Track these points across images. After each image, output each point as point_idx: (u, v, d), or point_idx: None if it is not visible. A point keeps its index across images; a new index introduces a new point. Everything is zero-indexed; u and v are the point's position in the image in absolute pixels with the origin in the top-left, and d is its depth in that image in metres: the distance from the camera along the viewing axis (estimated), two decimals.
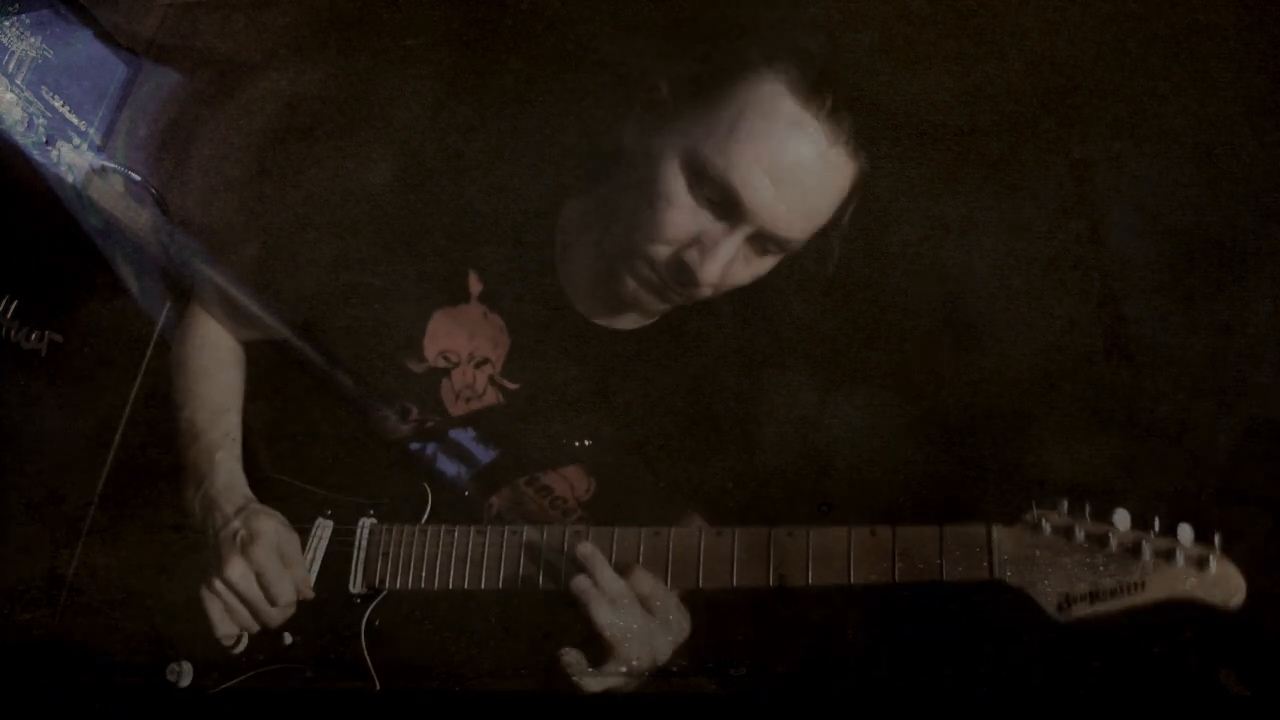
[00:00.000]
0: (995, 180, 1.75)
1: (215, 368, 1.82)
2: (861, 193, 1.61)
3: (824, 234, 1.63)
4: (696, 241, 1.58)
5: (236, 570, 1.64)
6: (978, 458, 1.69)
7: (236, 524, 1.67)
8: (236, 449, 1.76)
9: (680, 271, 1.60)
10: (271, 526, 1.67)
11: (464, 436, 1.76)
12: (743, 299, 1.72)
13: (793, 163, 1.54)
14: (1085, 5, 1.77)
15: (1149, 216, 1.72)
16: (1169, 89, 1.73)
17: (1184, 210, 1.71)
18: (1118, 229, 1.73)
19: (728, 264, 1.59)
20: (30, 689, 1.73)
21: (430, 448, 1.75)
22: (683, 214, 1.58)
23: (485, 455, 1.75)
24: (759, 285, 1.70)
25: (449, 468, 1.74)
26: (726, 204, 1.56)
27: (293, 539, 1.69)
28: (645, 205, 1.60)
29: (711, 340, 1.75)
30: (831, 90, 1.53)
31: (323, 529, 1.71)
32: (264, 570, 1.65)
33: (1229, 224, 1.70)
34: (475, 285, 1.76)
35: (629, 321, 1.76)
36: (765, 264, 1.64)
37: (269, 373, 1.83)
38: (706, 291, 1.63)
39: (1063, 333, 1.72)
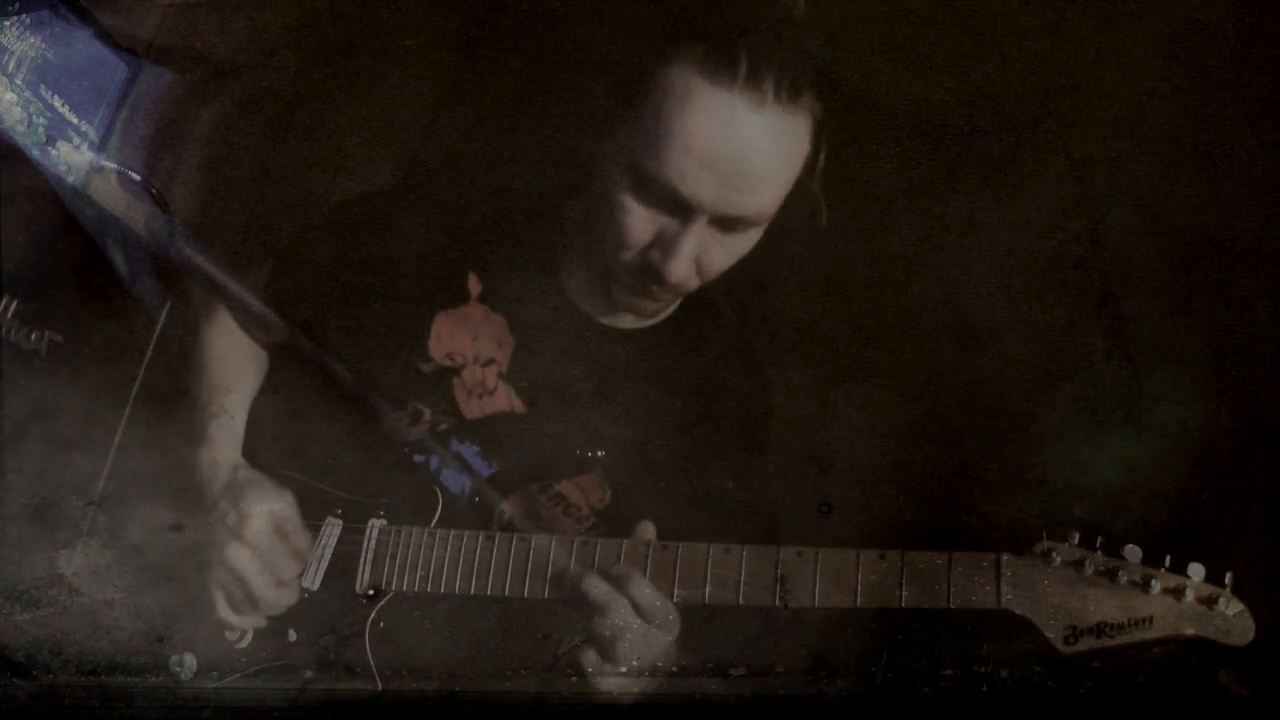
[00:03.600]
0: (995, 180, 1.75)
1: (227, 353, 1.82)
2: (830, 135, 1.59)
3: (800, 190, 1.61)
4: (655, 242, 1.58)
5: (235, 555, 1.64)
6: (978, 458, 1.69)
7: (224, 506, 1.66)
8: (234, 426, 1.75)
9: (648, 273, 1.61)
10: (259, 504, 1.66)
11: (467, 451, 1.75)
12: (744, 299, 1.72)
13: (723, 144, 1.51)
14: (1085, 5, 1.77)
15: (1149, 216, 1.72)
16: (1169, 89, 1.73)
17: (1184, 210, 1.71)
18: (1118, 229, 1.73)
19: (695, 256, 1.59)
20: (31, 689, 1.73)
21: (434, 460, 1.75)
22: (637, 219, 1.58)
23: (486, 469, 1.75)
24: (760, 285, 1.70)
25: (452, 482, 1.74)
26: (671, 202, 1.55)
27: (287, 508, 1.68)
28: (602, 217, 1.61)
29: (714, 341, 1.75)
30: (744, 54, 1.49)
31: (331, 528, 1.71)
32: (262, 549, 1.64)
33: (1229, 224, 1.70)
34: (475, 286, 1.76)
35: (630, 321, 1.76)
36: (746, 239, 1.63)
37: (282, 372, 1.83)
38: (691, 284, 1.63)
39: (1063, 333, 1.72)
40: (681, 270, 1.58)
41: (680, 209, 1.56)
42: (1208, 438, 1.66)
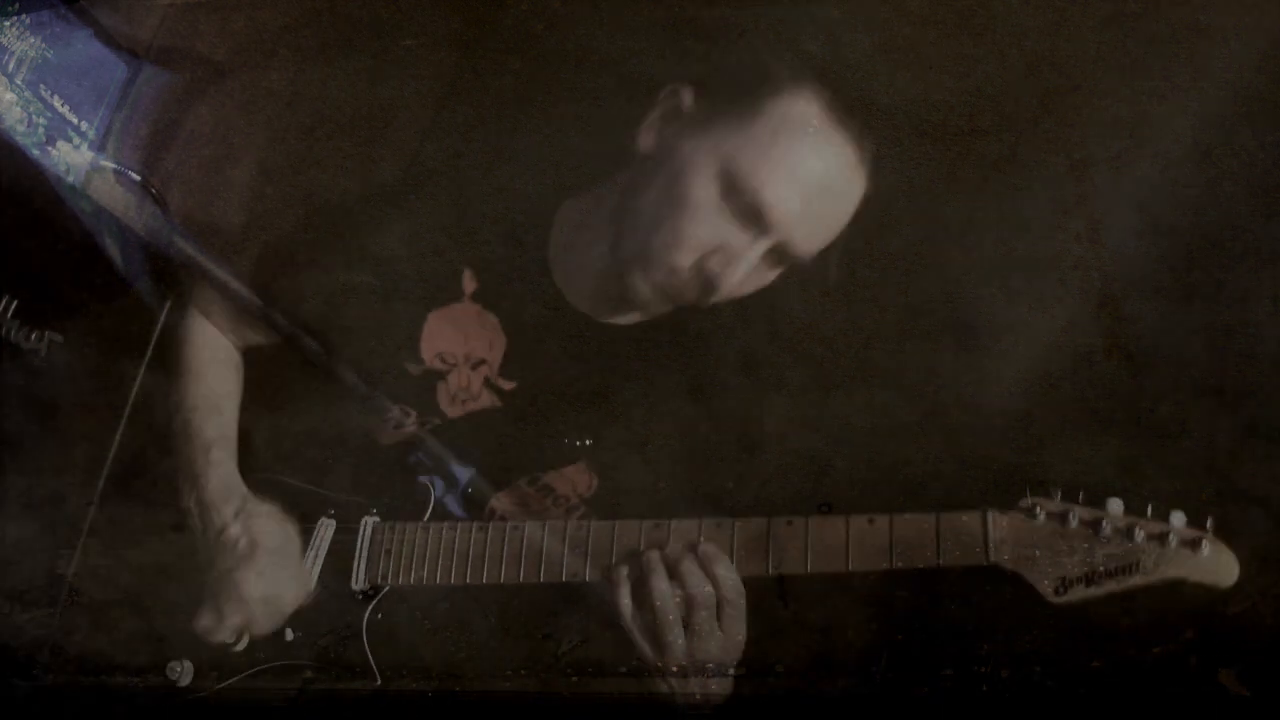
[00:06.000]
0: (995, 180, 1.75)
1: (210, 369, 1.82)
2: (865, 206, 1.64)
3: (826, 252, 1.66)
4: (719, 250, 1.60)
5: (249, 581, 1.64)
6: (978, 458, 1.69)
7: (236, 529, 1.67)
8: (231, 448, 1.76)
9: (701, 279, 1.62)
10: (271, 530, 1.67)
11: (439, 472, 1.76)
12: (744, 299, 1.72)
13: (822, 182, 1.59)
14: (1085, 5, 1.77)
15: (1149, 216, 1.72)
16: (1169, 89, 1.73)
17: (1184, 210, 1.71)
18: (1118, 229, 1.73)
19: (748, 274, 1.62)
20: (31, 689, 1.73)
21: (408, 477, 1.76)
22: (708, 223, 1.60)
23: (463, 475, 1.76)
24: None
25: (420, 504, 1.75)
26: (754, 216, 1.58)
27: (292, 539, 1.69)
28: (668, 211, 1.61)
29: (712, 340, 1.75)
30: (862, 116, 1.59)
31: (325, 528, 1.71)
32: (270, 578, 1.65)
33: (1229, 224, 1.70)
34: (470, 283, 1.77)
35: (629, 318, 1.76)
36: (770, 276, 1.67)
37: (271, 373, 1.83)
38: (719, 298, 1.64)
39: (1063, 333, 1.72)
40: (737, 283, 1.62)
41: (756, 224, 1.59)
42: (1208, 438, 1.66)
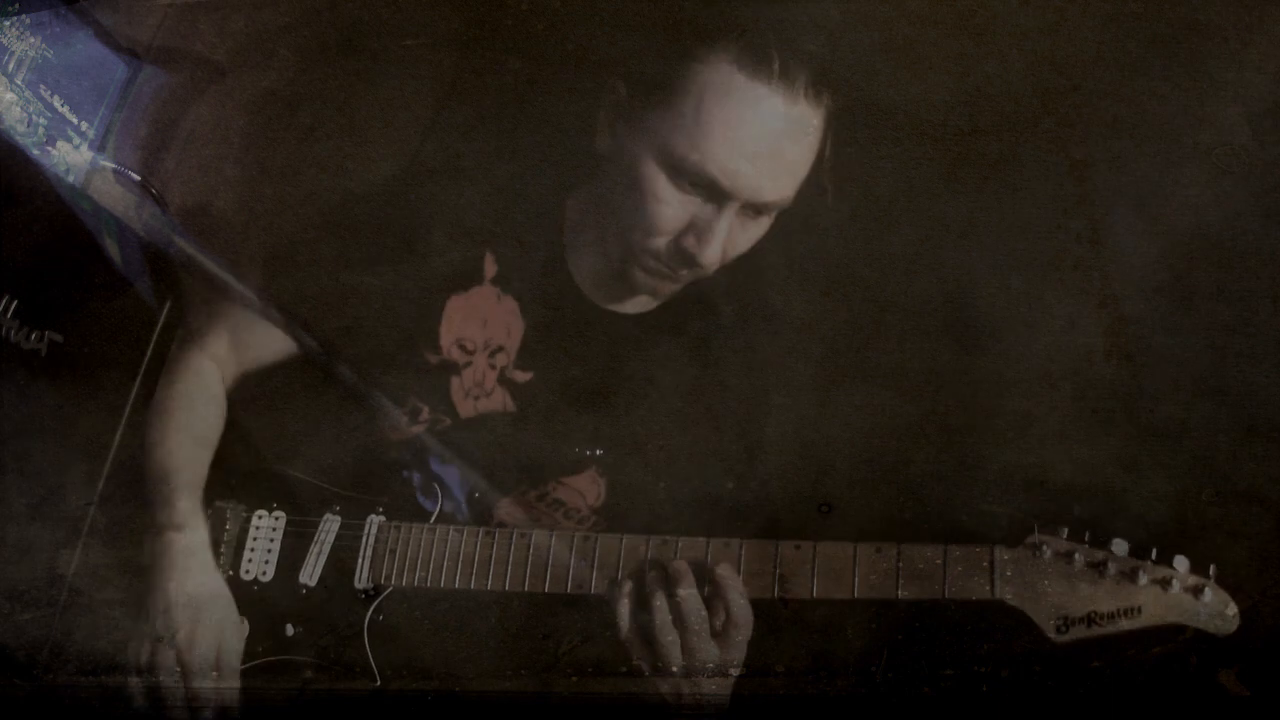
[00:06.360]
0: (995, 180, 1.75)
1: (194, 408, 1.80)
2: (837, 123, 1.65)
3: (811, 178, 1.67)
4: (691, 228, 1.64)
5: (166, 664, 1.66)
6: (978, 458, 1.69)
7: (179, 616, 1.66)
8: (200, 494, 1.75)
9: (682, 258, 1.65)
10: (211, 633, 1.66)
11: (448, 473, 1.76)
12: (744, 299, 1.72)
13: (761, 136, 1.59)
14: (1085, 5, 1.77)
15: (1149, 216, 1.72)
16: (1169, 89, 1.73)
17: (1184, 210, 1.71)
18: (1118, 229, 1.73)
19: (726, 241, 1.64)
20: (31, 689, 1.73)
21: (416, 478, 1.76)
22: (671, 206, 1.63)
23: (462, 494, 1.75)
24: (760, 284, 1.71)
25: (427, 505, 1.74)
26: (709, 189, 1.61)
27: (233, 653, 1.68)
28: (634, 204, 1.65)
29: (714, 341, 1.76)
30: (776, 51, 1.58)
31: (330, 524, 1.71)
32: (189, 672, 1.66)
33: (1229, 224, 1.71)
34: (490, 267, 1.78)
35: (639, 305, 1.78)
36: (762, 225, 1.69)
37: (283, 366, 1.82)
38: (710, 267, 1.67)
39: (1063, 333, 1.72)
40: (716, 255, 1.64)
41: (716, 196, 1.62)
42: (1208, 438, 1.66)
